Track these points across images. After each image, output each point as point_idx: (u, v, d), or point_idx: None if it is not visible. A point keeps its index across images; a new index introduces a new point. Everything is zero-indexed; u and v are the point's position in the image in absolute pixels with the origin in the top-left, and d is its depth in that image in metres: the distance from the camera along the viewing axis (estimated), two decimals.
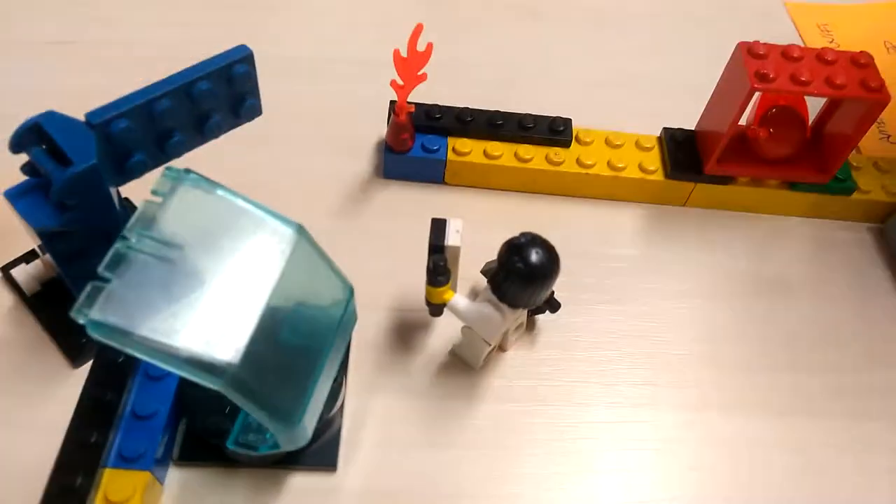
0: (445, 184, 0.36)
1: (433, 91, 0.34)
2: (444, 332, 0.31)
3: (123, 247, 0.20)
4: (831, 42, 0.48)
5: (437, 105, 0.36)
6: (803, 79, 0.30)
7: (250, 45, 0.26)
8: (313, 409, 0.24)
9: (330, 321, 0.24)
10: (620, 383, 0.31)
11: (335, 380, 0.26)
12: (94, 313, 0.19)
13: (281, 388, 0.22)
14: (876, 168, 0.37)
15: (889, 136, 0.42)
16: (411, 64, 0.30)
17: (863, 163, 0.37)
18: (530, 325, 0.32)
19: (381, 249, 0.33)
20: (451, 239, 0.27)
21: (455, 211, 0.36)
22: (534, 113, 0.37)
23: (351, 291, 0.25)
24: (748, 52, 0.31)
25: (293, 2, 0.46)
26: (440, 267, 0.26)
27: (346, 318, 0.25)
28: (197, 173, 0.22)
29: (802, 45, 0.48)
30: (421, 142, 0.35)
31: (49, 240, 0.24)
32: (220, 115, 0.27)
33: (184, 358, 0.19)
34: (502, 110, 0.36)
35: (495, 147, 0.35)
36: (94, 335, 0.19)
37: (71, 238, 0.25)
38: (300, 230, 0.22)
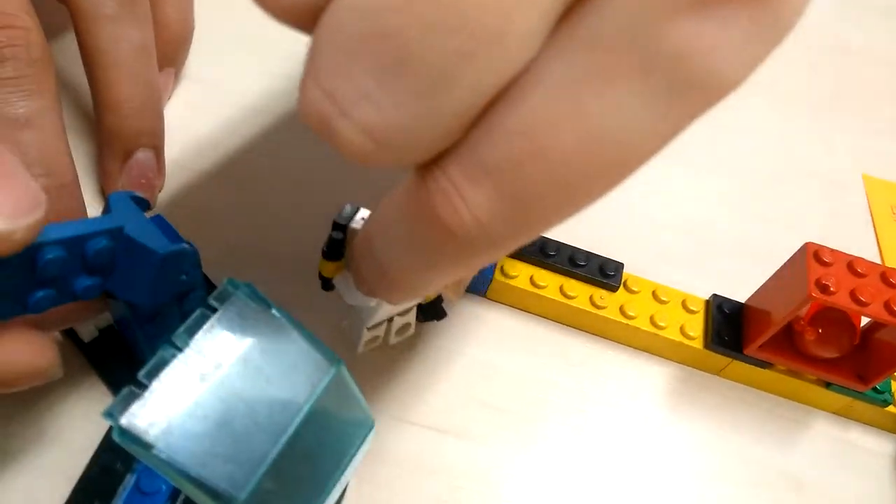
0: (486, 297, 0.37)
1: None
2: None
3: (169, 354, 0.21)
4: None
5: None
6: (863, 298, 0.30)
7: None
8: None
9: (344, 453, 0.24)
10: None
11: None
12: (123, 420, 0.19)
13: None
14: None
15: None
16: None
17: None
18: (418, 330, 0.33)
19: (403, 348, 0.34)
20: (356, 223, 0.27)
21: (490, 326, 0.36)
22: (589, 237, 0.36)
23: (371, 427, 0.25)
24: (814, 257, 0.31)
25: None
26: (336, 242, 0.27)
27: (359, 450, 0.25)
28: (254, 288, 0.23)
29: (871, 221, 0.48)
30: None
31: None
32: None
33: (193, 481, 0.20)
34: (559, 234, 0.37)
35: (542, 276, 0.35)
36: (118, 440, 0.19)
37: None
38: (339, 366, 0.23)
